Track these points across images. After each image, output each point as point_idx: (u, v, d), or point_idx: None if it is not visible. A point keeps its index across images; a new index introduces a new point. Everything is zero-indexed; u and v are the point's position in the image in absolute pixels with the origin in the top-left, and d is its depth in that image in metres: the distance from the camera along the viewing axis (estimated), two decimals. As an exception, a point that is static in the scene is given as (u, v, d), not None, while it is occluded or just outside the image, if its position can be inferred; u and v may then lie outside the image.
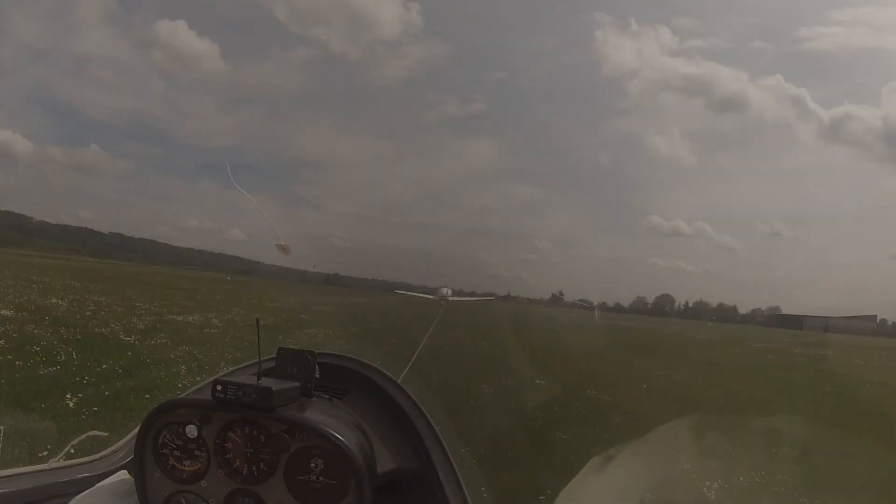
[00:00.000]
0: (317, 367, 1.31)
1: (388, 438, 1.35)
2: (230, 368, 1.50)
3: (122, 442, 1.41)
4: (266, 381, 1.19)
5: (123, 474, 1.33)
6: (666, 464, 4.52)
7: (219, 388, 1.16)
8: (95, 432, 1.47)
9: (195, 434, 1.17)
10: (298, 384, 1.26)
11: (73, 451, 1.46)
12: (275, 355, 1.33)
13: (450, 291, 50.80)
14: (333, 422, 1.21)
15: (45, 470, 1.31)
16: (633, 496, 2.10)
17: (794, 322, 78.15)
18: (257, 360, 1.29)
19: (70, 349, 9.37)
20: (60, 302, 16.67)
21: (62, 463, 1.34)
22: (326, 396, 1.35)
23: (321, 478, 1.16)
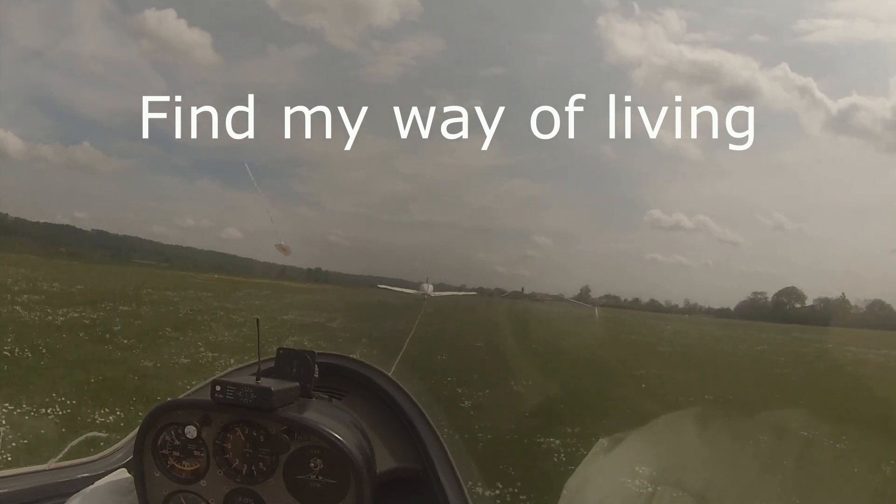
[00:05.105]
0: (316, 367, 1.31)
1: (388, 438, 1.35)
2: (229, 369, 1.51)
3: (121, 442, 1.42)
4: (265, 382, 1.19)
5: (122, 472, 1.33)
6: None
7: (218, 388, 1.16)
8: (95, 433, 1.47)
9: (194, 435, 1.18)
10: (298, 384, 1.27)
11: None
12: (274, 356, 1.33)
13: (431, 287, 50.19)
14: (332, 422, 1.22)
15: (45, 470, 1.31)
16: None
17: None
18: (257, 360, 1.30)
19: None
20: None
21: (62, 463, 1.34)
22: (326, 396, 1.36)
23: (320, 477, 1.16)
